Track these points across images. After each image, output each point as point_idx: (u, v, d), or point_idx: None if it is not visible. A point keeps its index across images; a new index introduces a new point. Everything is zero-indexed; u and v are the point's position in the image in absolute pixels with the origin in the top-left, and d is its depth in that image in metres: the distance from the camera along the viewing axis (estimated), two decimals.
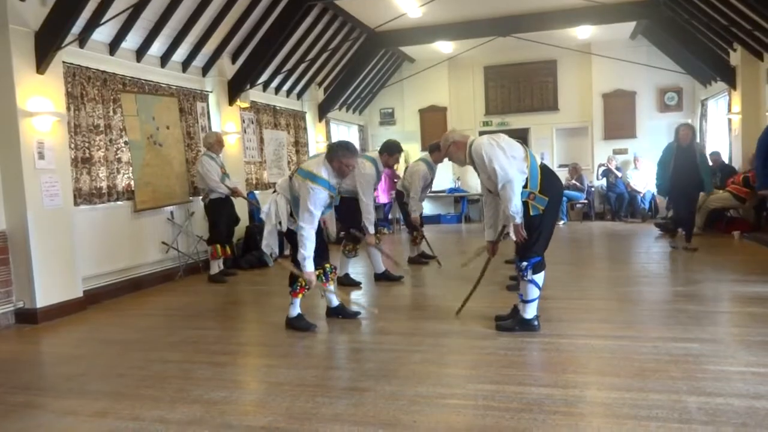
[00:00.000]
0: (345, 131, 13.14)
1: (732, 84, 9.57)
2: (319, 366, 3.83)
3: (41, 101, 5.39)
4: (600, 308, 4.99)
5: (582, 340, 4.05)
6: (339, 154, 4.39)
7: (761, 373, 3.28)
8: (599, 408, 2.95)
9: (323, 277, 4.74)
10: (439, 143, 7.42)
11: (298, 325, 4.60)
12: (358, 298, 5.78)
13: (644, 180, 11.80)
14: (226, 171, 7.29)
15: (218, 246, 7.09)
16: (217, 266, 7.14)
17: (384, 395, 3.20)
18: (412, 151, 12.57)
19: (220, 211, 7.12)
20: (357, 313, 4.96)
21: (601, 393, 3.13)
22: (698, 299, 5.17)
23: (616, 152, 12.29)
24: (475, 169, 4.25)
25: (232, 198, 7.27)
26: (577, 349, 3.85)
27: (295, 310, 4.63)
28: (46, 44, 5.36)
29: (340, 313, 4.90)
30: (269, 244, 4.60)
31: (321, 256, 4.69)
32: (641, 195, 11.81)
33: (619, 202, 11.94)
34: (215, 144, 7.20)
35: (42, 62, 5.38)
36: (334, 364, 3.98)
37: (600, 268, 7.10)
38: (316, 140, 11.42)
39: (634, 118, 12.32)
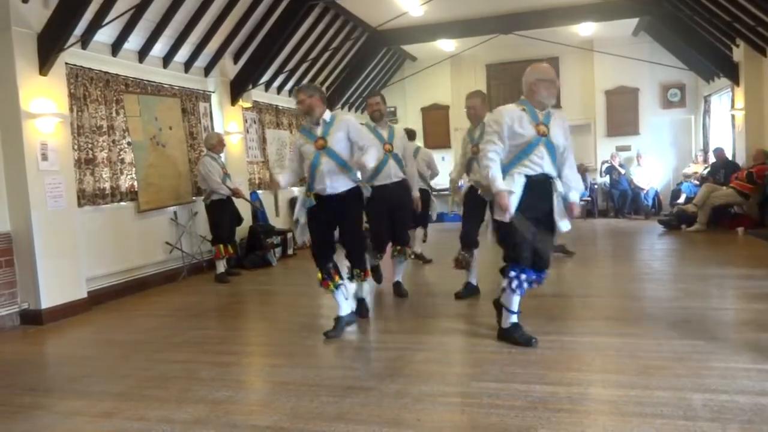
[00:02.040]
0: None
1: (735, 80, 9.54)
2: (323, 365, 3.84)
3: (44, 103, 5.41)
4: (604, 306, 4.98)
5: (586, 337, 4.04)
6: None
7: (767, 370, 3.27)
8: (604, 406, 2.94)
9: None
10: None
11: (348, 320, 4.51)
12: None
13: (648, 177, 11.78)
14: (228, 172, 7.32)
15: (221, 246, 7.12)
16: (222, 266, 7.17)
17: (388, 394, 3.20)
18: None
19: (221, 211, 7.14)
20: (366, 312, 4.94)
21: (605, 391, 3.13)
22: (703, 296, 5.15)
23: (619, 149, 12.23)
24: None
25: (234, 198, 7.29)
26: (581, 346, 3.85)
27: (346, 307, 4.52)
28: (48, 46, 5.37)
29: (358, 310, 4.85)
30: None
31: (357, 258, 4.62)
32: (645, 192, 11.78)
33: (622, 199, 11.91)
34: (216, 145, 7.23)
35: (45, 64, 5.39)
36: (338, 363, 3.98)
37: (604, 266, 7.08)
38: None
39: (637, 115, 12.27)
